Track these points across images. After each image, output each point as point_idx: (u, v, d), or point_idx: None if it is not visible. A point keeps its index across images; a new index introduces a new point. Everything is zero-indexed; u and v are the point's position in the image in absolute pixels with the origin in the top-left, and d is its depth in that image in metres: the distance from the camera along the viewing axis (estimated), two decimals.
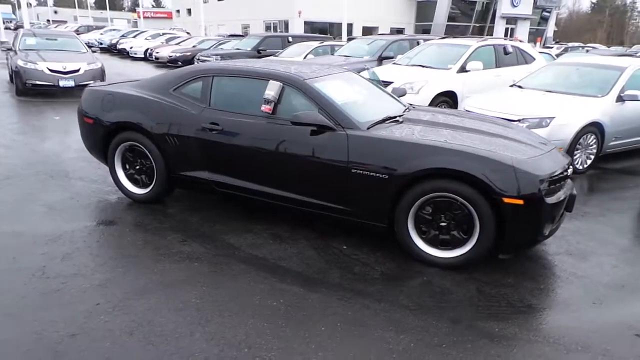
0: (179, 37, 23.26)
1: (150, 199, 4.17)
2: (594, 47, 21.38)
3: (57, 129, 7.15)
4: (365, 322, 2.62)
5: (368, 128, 3.39)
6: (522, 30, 35.33)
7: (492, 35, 33.05)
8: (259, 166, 3.64)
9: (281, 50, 13.69)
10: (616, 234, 3.94)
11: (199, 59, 15.03)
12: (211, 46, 17.69)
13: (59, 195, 4.36)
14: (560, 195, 3.14)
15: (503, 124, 4.06)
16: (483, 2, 34.73)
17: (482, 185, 2.95)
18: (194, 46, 18.84)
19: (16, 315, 2.57)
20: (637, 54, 15.51)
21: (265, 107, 3.59)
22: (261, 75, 3.75)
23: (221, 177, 3.81)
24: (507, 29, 35.05)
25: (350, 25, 32.59)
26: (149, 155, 4.03)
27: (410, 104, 4.43)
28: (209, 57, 13.78)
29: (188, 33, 28.86)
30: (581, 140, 5.36)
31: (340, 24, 31.85)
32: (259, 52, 13.94)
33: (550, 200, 3.01)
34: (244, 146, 3.64)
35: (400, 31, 35.13)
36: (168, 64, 17.94)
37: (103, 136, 4.18)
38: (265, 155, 3.58)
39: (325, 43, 13.07)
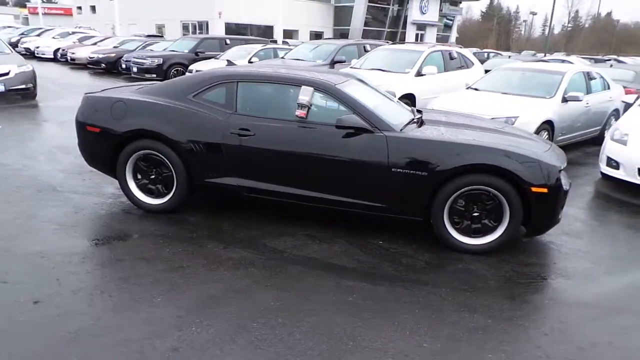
0: (93, 36, 21.62)
1: (166, 209, 4.04)
2: (499, 53, 23.74)
3: (7, 139, 6.44)
4: (438, 307, 2.88)
5: (401, 130, 3.66)
6: (430, 36, 38.11)
7: (404, 40, 35.22)
8: (293, 169, 3.73)
9: (221, 53, 13.45)
10: (586, 215, 4.64)
11: (129, 61, 14.19)
12: (137, 47, 16.75)
13: (60, 211, 4.03)
14: (567, 184, 3.67)
15: (503, 123, 4.57)
16: (395, 9, 36.81)
17: (513, 177, 3.36)
18: (115, 47, 17.67)
19: (99, 337, 2.44)
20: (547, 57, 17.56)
21: (300, 112, 3.69)
22: (291, 81, 3.84)
23: (251, 182, 3.83)
24: (417, 35, 37.56)
25: (271, 28, 32.70)
26: (168, 164, 3.91)
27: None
28: (144, 59, 13.09)
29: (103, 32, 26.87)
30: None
31: (259, 26, 31.89)
32: (196, 55, 13.55)
33: (565, 188, 3.52)
34: (278, 150, 3.71)
35: (319, 35, 36.02)
36: (89, 65, 16.69)
37: (113, 146, 3.96)
38: (299, 159, 3.69)
39: (268, 46, 13.10)
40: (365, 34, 34.30)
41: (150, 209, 4.08)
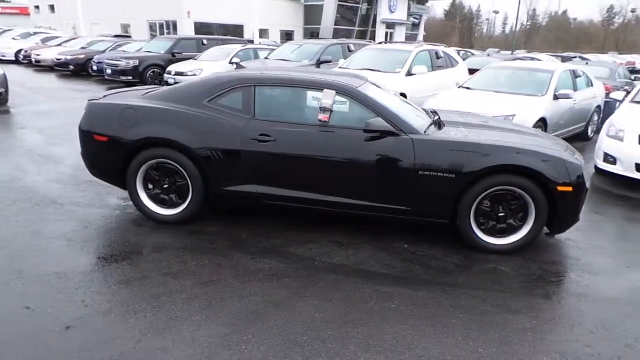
0: (57, 37, 20.69)
1: (180, 219, 3.88)
2: (468, 51, 24.20)
3: None
4: (481, 310, 2.88)
5: (424, 132, 3.64)
6: (400, 35, 38.58)
7: (374, 39, 35.51)
8: (316, 175, 3.65)
9: (199, 54, 13.13)
10: (590, 210, 4.76)
11: (101, 63, 13.65)
12: (107, 48, 16.14)
13: (66, 225, 3.80)
14: (587, 182, 3.74)
15: (518, 124, 4.63)
16: (364, 8, 37.03)
17: (539, 177, 3.40)
18: (83, 47, 16.96)
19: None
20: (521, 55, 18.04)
21: (323, 116, 3.61)
22: (311, 84, 3.75)
23: (271, 189, 3.72)
24: (386, 33, 37.95)
25: (240, 28, 32.26)
26: (183, 172, 3.75)
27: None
28: (118, 60, 12.61)
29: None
30: None
31: (227, 25, 31.35)
32: (173, 55, 13.18)
33: (586, 186, 3.60)
34: (300, 156, 3.62)
35: (289, 34, 35.83)
36: (55, 67, 15.94)
37: (123, 155, 3.76)
38: (323, 164, 3.61)
39: (248, 46, 12.88)
40: (336, 33, 34.36)
41: (163, 219, 3.90)
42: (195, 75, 11.63)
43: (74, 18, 30.40)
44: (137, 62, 12.45)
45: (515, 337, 2.61)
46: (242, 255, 3.45)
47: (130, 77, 12.52)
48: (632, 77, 11.74)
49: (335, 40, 11.20)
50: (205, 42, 13.98)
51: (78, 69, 15.41)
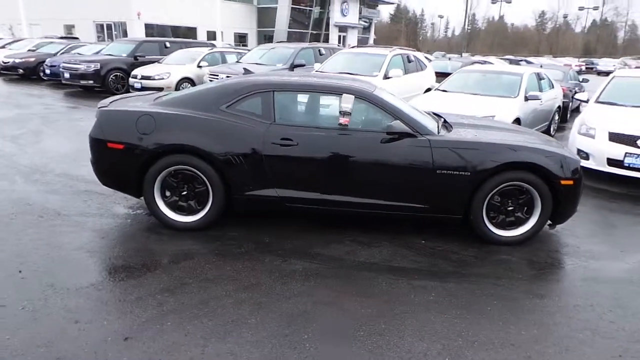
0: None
1: (200, 226, 3.86)
2: (428, 57, 25.07)
3: None
4: (511, 297, 3.11)
5: (438, 133, 3.85)
6: (352, 38, 39.31)
7: (327, 41, 35.96)
8: (338, 177, 3.76)
9: (163, 57, 12.81)
10: None
11: (55, 66, 12.97)
12: (59, 51, 15.31)
13: (80, 237, 3.67)
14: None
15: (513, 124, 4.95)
16: (317, 11, 37.40)
17: (545, 173, 3.71)
18: (31, 50, 15.99)
19: None
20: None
21: (344, 120, 3.73)
22: (329, 89, 3.86)
23: (292, 192, 3.79)
24: (339, 36, 38.54)
25: (194, 30, 31.62)
26: (204, 179, 3.74)
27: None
28: (78, 63, 12.02)
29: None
30: None
31: (183, 28, 30.64)
32: (136, 59, 12.75)
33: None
34: (322, 158, 3.72)
35: (243, 37, 35.52)
36: (2, 71, 14.94)
37: (140, 162, 3.70)
38: (344, 165, 3.73)
39: (215, 50, 12.71)
40: (289, 36, 34.48)
41: (182, 227, 3.86)
42: (163, 79, 11.36)
43: (12, 18, 28.50)
44: (98, 66, 11.93)
45: (548, 320, 2.86)
46: (273, 258, 3.50)
47: (91, 82, 11.99)
48: (581, 78, 12.79)
49: (305, 44, 11.33)
50: (168, 45, 13.64)
51: (28, 73, 14.56)
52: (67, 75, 12.17)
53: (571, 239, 4.14)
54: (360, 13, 39.54)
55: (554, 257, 3.76)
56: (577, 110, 12.47)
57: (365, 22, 44.24)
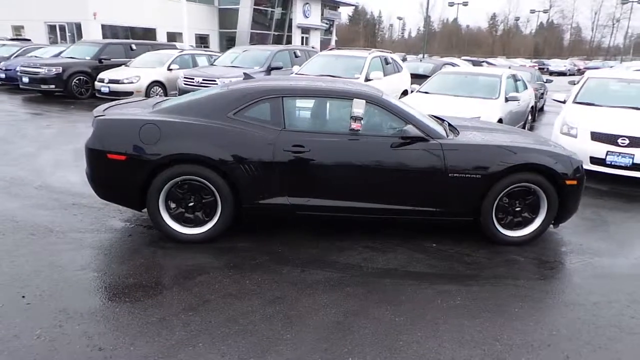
0: None
1: (207, 238, 3.70)
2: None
3: None
4: (535, 297, 3.15)
5: (448, 137, 3.87)
6: (315, 39, 39.34)
7: (290, 43, 35.83)
8: (350, 182, 3.71)
9: (129, 60, 12.31)
10: None
11: (12, 70, 12.21)
12: (13, 54, 14.42)
13: (81, 255, 3.43)
14: None
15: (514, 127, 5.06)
16: (279, 13, 37.18)
17: (552, 173, 3.80)
18: None
19: None
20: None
21: (355, 125, 3.68)
22: (339, 94, 3.80)
23: (303, 199, 3.71)
24: (302, 38, 38.47)
25: (153, 31, 30.64)
26: (212, 189, 3.59)
27: None
28: (38, 67, 11.33)
29: None
30: None
31: (141, 29, 29.64)
32: (100, 62, 12.18)
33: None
34: (335, 165, 3.65)
35: (204, 38, 34.77)
36: None
37: (144, 174, 3.50)
38: (357, 171, 3.68)
39: (185, 52, 12.34)
40: (252, 38, 34.08)
41: (188, 240, 3.69)
42: (132, 82, 10.90)
43: None
44: (60, 70, 11.31)
45: (574, 318, 2.92)
46: (291, 268, 3.40)
47: (52, 87, 11.36)
48: (545, 79, 13.36)
49: (281, 47, 11.20)
50: (134, 47, 13.13)
51: None
52: (25, 79, 11.47)
53: (571, 236, 4.27)
54: (322, 15, 39.65)
55: (562, 255, 3.86)
56: (542, 110, 13.02)
57: (327, 23, 44.44)
